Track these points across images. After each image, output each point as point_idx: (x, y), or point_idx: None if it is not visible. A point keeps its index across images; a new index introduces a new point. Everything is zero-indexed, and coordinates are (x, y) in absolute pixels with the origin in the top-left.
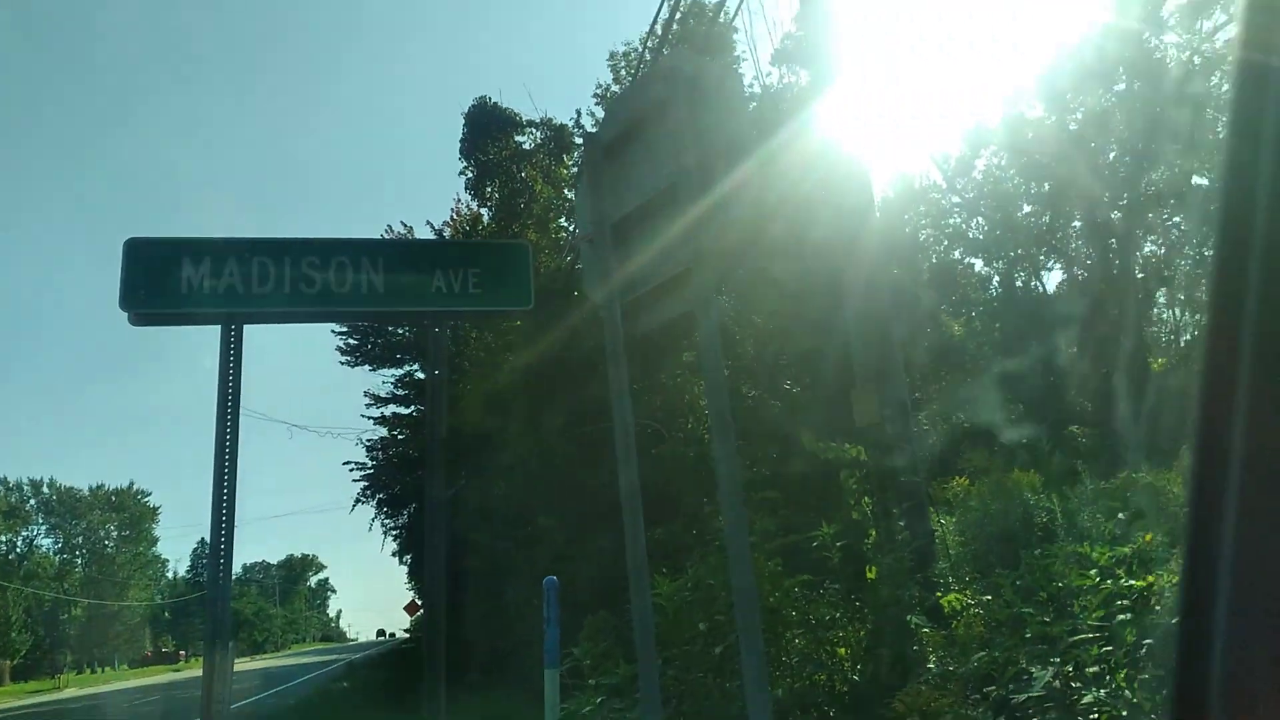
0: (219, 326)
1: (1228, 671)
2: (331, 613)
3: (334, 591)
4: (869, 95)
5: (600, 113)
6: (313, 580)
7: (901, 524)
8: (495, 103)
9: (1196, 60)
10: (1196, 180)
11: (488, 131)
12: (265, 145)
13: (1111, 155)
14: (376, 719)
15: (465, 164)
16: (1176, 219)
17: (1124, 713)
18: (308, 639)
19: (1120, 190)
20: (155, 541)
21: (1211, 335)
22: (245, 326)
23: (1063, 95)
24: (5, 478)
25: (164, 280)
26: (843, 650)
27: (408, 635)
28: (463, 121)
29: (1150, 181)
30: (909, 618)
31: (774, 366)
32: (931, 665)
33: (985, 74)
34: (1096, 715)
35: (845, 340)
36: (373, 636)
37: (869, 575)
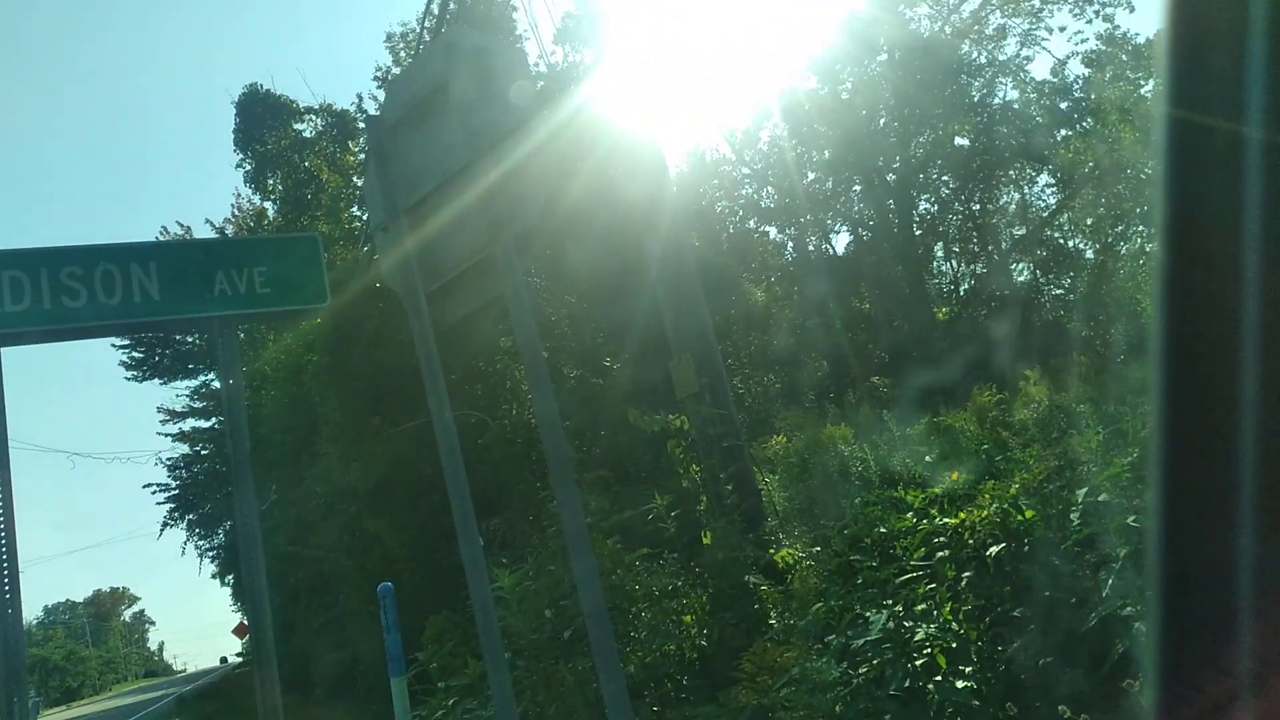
0: None
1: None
2: (153, 645)
3: (153, 623)
4: (654, 71)
5: (383, 96)
6: (126, 614)
7: (729, 487)
8: (268, 90)
9: (947, 30)
10: (959, 141)
11: (263, 120)
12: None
13: (881, 122)
14: None
15: (242, 156)
16: (945, 177)
17: (953, 644)
18: (129, 677)
19: (892, 154)
20: None
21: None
22: (2, 350)
23: (832, 67)
24: None
25: None
26: (688, 618)
27: (240, 659)
28: (234, 111)
29: (918, 144)
30: (746, 577)
31: (591, 344)
32: (773, 621)
33: (763, 49)
34: (929, 649)
35: (658, 314)
36: (203, 666)
37: (705, 541)
